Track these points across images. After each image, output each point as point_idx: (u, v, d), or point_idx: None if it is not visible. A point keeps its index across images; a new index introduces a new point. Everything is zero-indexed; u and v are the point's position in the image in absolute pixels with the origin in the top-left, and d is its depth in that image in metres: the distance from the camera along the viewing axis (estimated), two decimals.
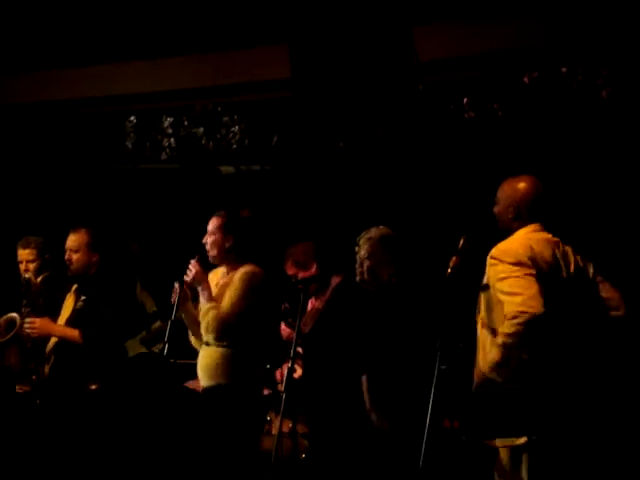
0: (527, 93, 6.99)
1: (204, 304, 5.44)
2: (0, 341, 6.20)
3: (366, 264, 5.42)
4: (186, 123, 8.35)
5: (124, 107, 8.51)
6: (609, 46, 6.63)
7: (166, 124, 8.43)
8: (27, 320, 6.03)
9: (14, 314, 6.32)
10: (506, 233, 4.78)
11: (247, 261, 5.57)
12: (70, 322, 6.01)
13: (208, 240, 5.58)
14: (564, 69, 6.83)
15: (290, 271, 6.22)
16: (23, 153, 8.61)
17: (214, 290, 5.54)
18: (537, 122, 7.02)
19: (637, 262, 6.59)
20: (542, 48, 6.80)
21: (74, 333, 5.91)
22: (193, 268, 5.45)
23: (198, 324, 5.48)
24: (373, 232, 5.52)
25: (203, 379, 5.52)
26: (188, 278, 5.43)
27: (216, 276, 5.67)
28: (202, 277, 5.50)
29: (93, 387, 5.85)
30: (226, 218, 5.60)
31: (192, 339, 5.65)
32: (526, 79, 6.95)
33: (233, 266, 5.58)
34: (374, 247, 5.43)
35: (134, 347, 7.10)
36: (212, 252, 5.56)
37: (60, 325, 6.00)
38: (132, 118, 8.55)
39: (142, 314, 6.74)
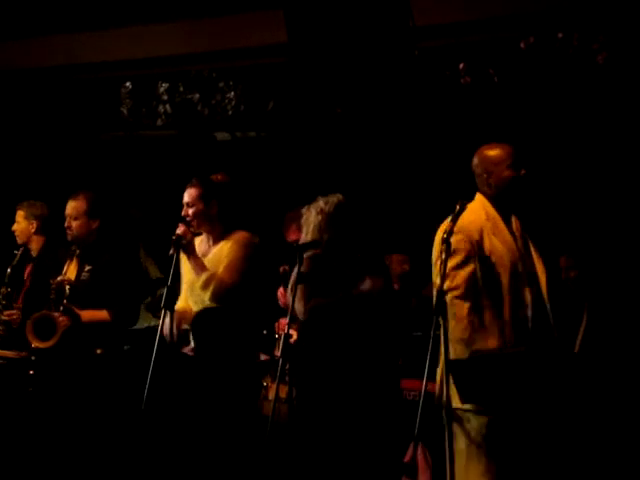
0: (523, 58, 6.97)
1: (200, 274, 5.43)
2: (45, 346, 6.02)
3: (325, 236, 5.35)
4: (181, 89, 8.33)
5: (119, 73, 8.49)
6: (605, 11, 6.61)
7: (161, 90, 8.41)
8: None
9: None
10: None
11: (234, 227, 5.58)
12: (76, 293, 6.01)
13: (189, 212, 5.55)
14: (560, 34, 6.81)
15: (293, 236, 6.21)
16: (19, 120, 8.60)
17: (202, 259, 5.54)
18: (533, 88, 7.01)
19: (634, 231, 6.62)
20: (538, 13, 6.79)
21: (102, 315, 5.93)
22: (185, 230, 5.43)
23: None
24: (329, 200, 5.44)
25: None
26: (179, 231, 5.40)
27: (196, 245, 5.66)
28: (191, 239, 5.49)
29: (99, 351, 5.90)
30: (203, 186, 5.58)
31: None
32: (522, 44, 6.93)
33: (220, 233, 5.58)
34: (331, 216, 5.36)
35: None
36: (196, 222, 5.54)
37: (87, 311, 5.97)
38: (127, 84, 8.53)
39: (146, 280, 6.76)
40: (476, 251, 4.60)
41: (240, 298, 5.46)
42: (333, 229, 5.30)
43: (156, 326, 5.25)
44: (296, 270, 5.15)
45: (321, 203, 5.36)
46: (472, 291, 4.56)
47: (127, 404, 5.70)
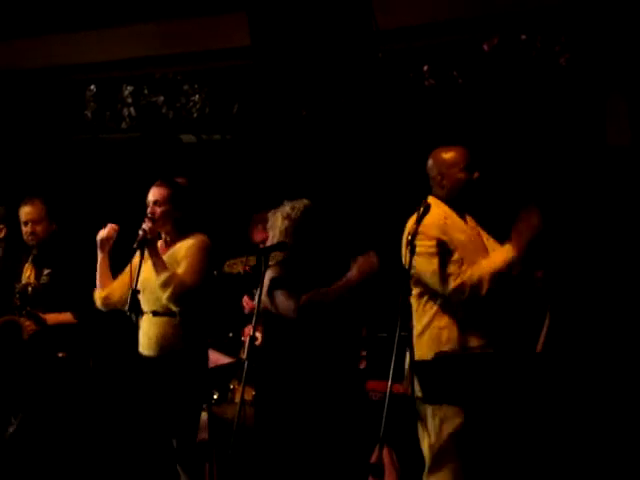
0: (487, 60, 7.01)
1: (162, 272, 5.41)
2: None
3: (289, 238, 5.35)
4: (146, 92, 8.30)
5: (84, 76, 8.44)
6: (567, 13, 6.66)
7: (126, 93, 8.38)
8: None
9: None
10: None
11: (190, 229, 5.58)
12: (37, 296, 6.00)
13: (157, 210, 5.53)
14: (523, 36, 6.85)
15: (259, 237, 6.22)
16: None
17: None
18: (497, 89, 7.05)
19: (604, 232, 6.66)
20: (501, 15, 6.82)
21: (66, 317, 5.93)
22: (151, 227, 5.42)
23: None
24: (296, 205, 5.43)
25: (151, 349, 5.52)
26: (146, 227, 5.38)
27: None
28: (155, 236, 5.49)
29: (60, 355, 5.88)
30: (173, 188, 5.58)
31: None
32: (486, 46, 6.97)
33: (176, 235, 5.58)
34: (298, 221, 5.35)
35: None
36: (161, 223, 5.53)
37: (51, 314, 5.96)
38: (92, 87, 8.49)
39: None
40: (439, 250, 4.66)
41: (198, 301, 5.46)
42: (300, 234, 5.30)
43: None
44: (264, 272, 5.15)
45: (287, 208, 5.35)
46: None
47: (91, 408, 5.71)
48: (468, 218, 4.88)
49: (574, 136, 6.94)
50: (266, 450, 5.23)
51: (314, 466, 5.14)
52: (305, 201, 5.39)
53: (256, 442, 5.29)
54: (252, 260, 6.34)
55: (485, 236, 4.93)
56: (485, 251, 4.82)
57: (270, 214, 5.44)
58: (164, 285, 5.41)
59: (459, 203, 4.83)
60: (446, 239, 4.69)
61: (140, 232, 5.39)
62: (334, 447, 5.16)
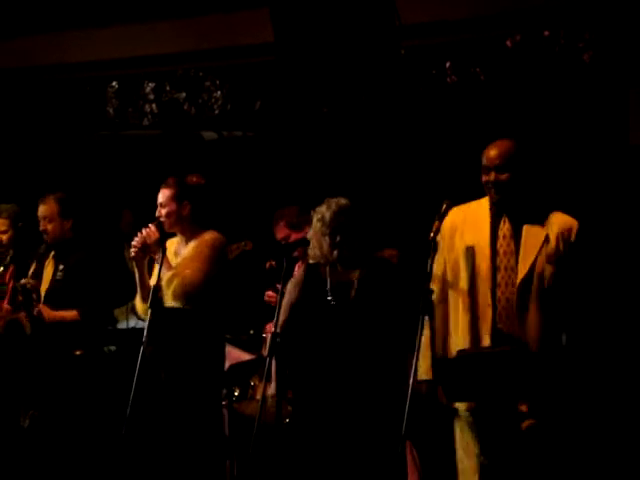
0: (509, 57, 6.99)
1: (165, 272, 5.43)
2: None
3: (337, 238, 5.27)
4: (168, 88, 8.32)
5: (106, 72, 8.47)
6: (590, 9, 6.63)
7: (148, 89, 8.40)
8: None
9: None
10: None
11: (206, 228, 5.58)
12: (51, 292, 6.02)
13: (162, 212, 5.55)
14: (546, 33, 6.82)
15: (282, 233, 6.21)
16: (2, 120, 8.57)
17: (172, 259, 5.54)
18: (519, 86, 7.03)
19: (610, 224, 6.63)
20: (524, 12, 6.79)
21: (72, 314, 5.95)
22: (150, 231, 5.44)
23: (148, 288, 5.46)
24: (338, 202, 5.35)
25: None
26: (143, 237, 5.41)
27: (172, 245, 5.66)
28: (157, 242, 5.47)
29: (78, 353, 5.89)
30: (176, 187, 5.58)
31: (138, 304, 5.65)
32: (508, 43, 6.95)
33: (191, 234, 5.58)
34: (342, 219, 5.29)
35: (123, 316, 7.13)
36: (168, 222, 5.54)
37: (58, 312, 5.99)
38: (114, 83, 8.52)
39: (132, 281, 6.75)
40: (445, 251, 4.66)
41: (203, 299, 5.45)
42: (353, 230, 5.22)
43: (140, 327, 5.25)
44: (285, 270, 5.12)
45: (338, 202, 5.26)
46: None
47: (108, 406, 5.71)
48: (505, 221, 4.74)
49: (596, 134, 6.90)
50: (289, 447, 5.22)
51: (335, 464, 5.12)
52: (347, 199, 5.31)
53: (279, 439, 5.28)
54: (250, 244, 6.32)
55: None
56: (509, 260, 4.73)
57: (313, 212, 5.34)
58: (167, 283, 5.44)
59: (498, 205, 4.73)
60: (449, 237, 4.68)
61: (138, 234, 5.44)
62: (356, 444, 5.14)
